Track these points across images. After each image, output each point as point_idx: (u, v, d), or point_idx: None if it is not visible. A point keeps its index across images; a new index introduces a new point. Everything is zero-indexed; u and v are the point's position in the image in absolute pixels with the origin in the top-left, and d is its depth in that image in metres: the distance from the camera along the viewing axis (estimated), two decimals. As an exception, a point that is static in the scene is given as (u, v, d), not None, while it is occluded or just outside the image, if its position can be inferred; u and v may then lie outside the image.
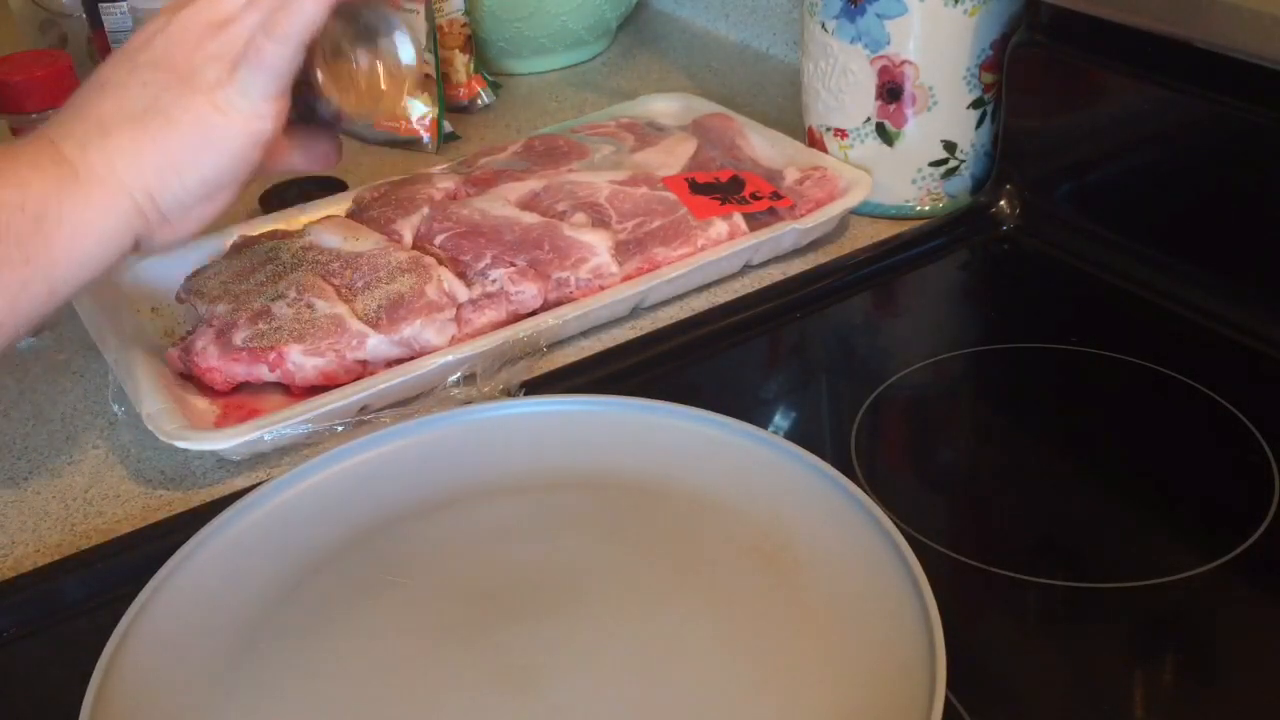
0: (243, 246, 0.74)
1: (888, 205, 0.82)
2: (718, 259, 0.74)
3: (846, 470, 0.55)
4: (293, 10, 0.52)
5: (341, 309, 0.67)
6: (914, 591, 0.47)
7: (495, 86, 1.07)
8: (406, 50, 0.58)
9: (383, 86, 0.59)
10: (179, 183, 0.53)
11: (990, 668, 0.49)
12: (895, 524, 0.50)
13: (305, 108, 0.57)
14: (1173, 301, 0.69)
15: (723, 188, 0.78)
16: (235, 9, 0.54)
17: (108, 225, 0.52)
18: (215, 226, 0.81)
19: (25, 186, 0.50)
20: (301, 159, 0.60)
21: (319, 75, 0.56)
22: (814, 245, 0.79)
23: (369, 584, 0.52)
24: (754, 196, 0.77)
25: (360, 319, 0.67)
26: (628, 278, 0.72)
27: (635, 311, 0.74)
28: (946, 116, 0.78)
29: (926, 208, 0.82)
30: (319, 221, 0.76)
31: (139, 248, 0.54)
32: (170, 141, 0.52)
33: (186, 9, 0.55)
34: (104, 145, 0.52)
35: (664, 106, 0.93)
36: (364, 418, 0.63)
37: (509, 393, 0.64)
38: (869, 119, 0.79)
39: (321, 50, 0.56)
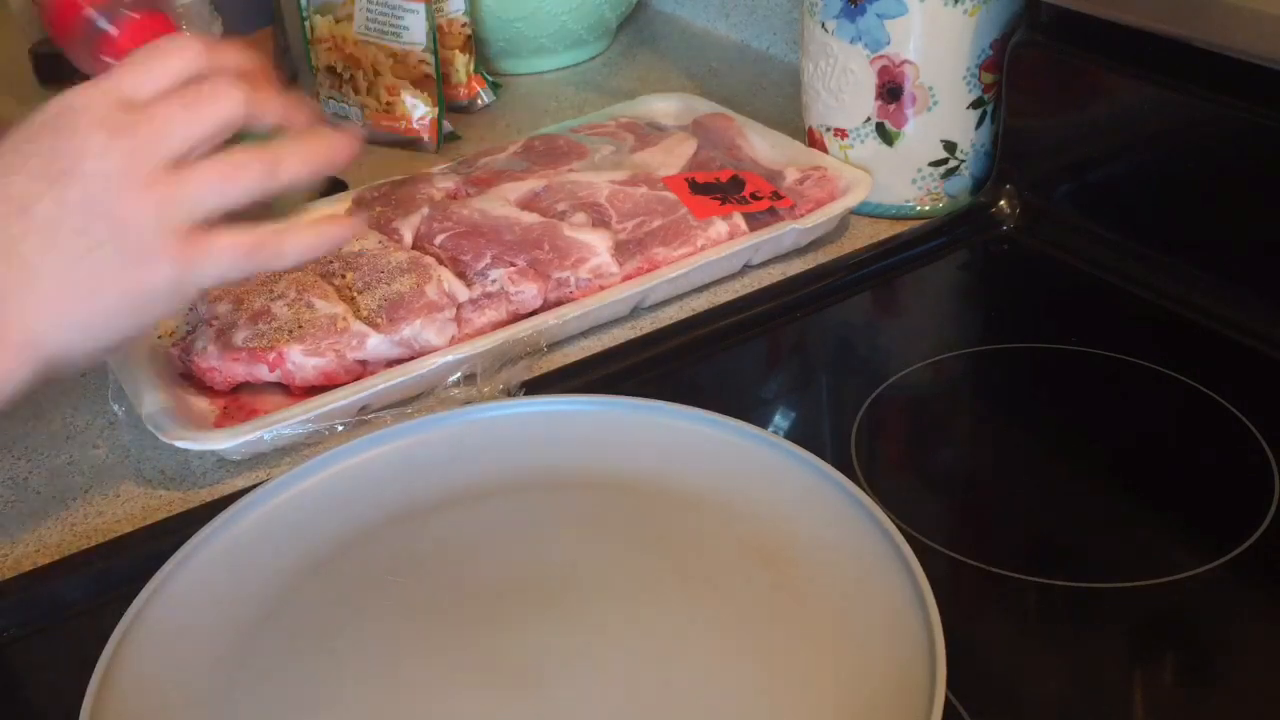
0: None
1: (888, 205, 0.82)
2: (718, 259, 0.74)
3: (846, 470, 0.55)
4: (306, 247, 0.52)
5: (341, 309, 0.67)
6: (914, 591, 0.47)
7: (495, 86, 1.07)
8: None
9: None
10: (97, 343, 0.50)
11: (990, 668, 0.49)
12: (895, 524, 0.50)
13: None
14: (1173, 301, 0.69)
15: (723, 188, 0.78)
16: (159, 97, 0.49)
17: (11, 381, 0.49)
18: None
19: None
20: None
21: None
22: (814, 245, 0.79)
23: (369, 584, 0.52)
24: (754, 196, 0.77)
25: (360, 319, 0.67)
26: (628, 278, 0.72)
27: (635, 311, 0.74)
28: (946, 116, 0.78)
29: (926, 208, 0.82)
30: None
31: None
32: (100, 307, 0.48)
33: (128, 131, 0.48)
34: (25, 302, 0.47)
35: (664, 106, 0.93)
36: (364, 418, 0.63)
37: (509, 393, 0.64)
38: (869, 119, 0.79)
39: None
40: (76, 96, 0.48)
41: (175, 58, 0.49)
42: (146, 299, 0.49)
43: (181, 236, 0.48)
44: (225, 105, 0.49)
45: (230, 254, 0.49)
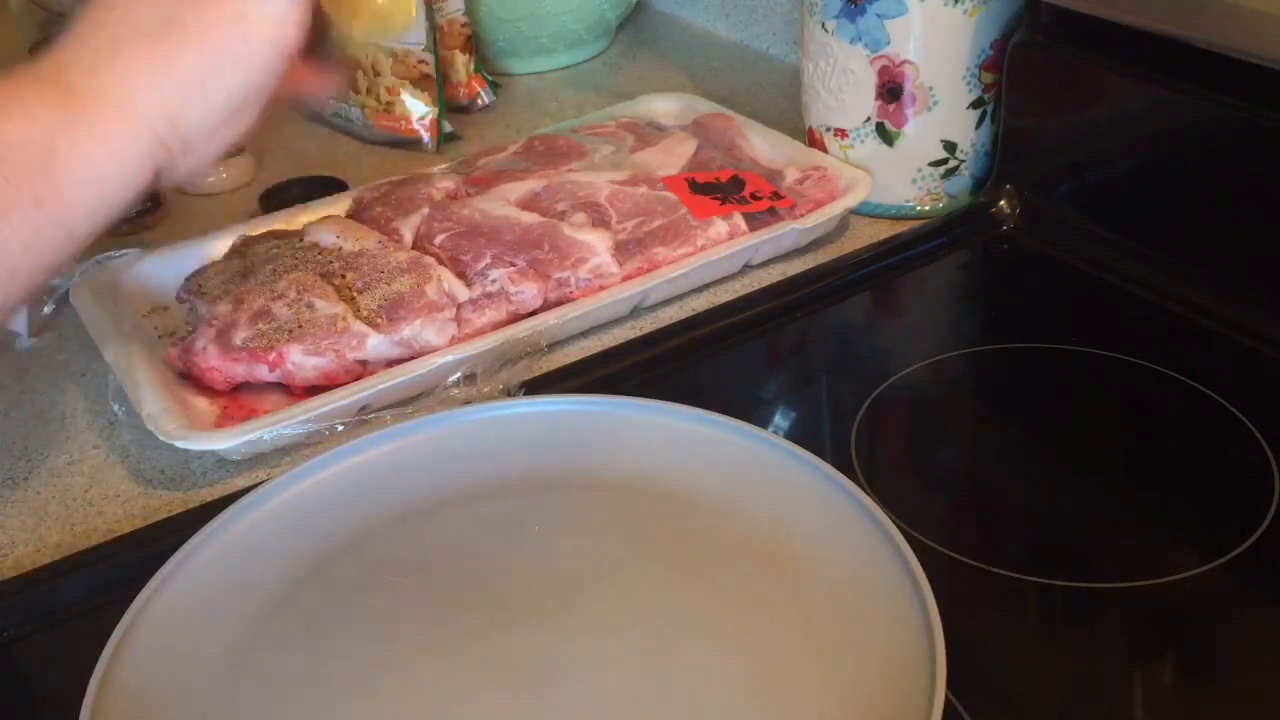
0: (243, 247, 0.74)
1: (888, 205, 0.82)
2: (718, 259, 0.74)
3: (846, 470, 0.55)
4: None
5: (341, 309, 0.67)
6: (914, 591, 0.47)
7: (495, 86, 1.07)
8: None
9: (380, 3, 0.55)
10: (202, 102, 0.49)
11: (990, 668, 0.49)
12: (895, 524, 0.50)
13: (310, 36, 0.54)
14: (1173, 301, 0.69)
15: (723, 188, 0.78)
16: None
17: (125, 159, 0.48)
18: (216, 226, 0.82)
19: (31, 121, 0.46)
20: (312, 84, 0.56)
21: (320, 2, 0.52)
22: (814, 245, 0.79)
23: (369, 584, 0.52)
24: (754, 196, 0.77)
25: (360, 319, 0.67)
26: (628, 278, 0.72)
27: (635, 311, 0.74)
28: (946, 116, 0.78)
29: (926, 208, 0.82)
30: (319, 221, 0.76)
31: (160, 178, 0.50)
32: (191, 57, 0.48)
33: None
34: (117, 69, 0.47)
35: (664, 106, 0.93)
36: (364, 418, 0.63)
37: (509, 393, 0.64)
38: (869, 119, 0.79)
39: None
40: None
41: None
42: (241, 39, 0.48)
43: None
44: None
45: None
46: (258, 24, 0.49)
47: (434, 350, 0.67)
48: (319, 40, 0.54)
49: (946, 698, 0.42)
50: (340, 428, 0.62)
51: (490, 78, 1.07)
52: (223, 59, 0.49)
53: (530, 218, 0.74)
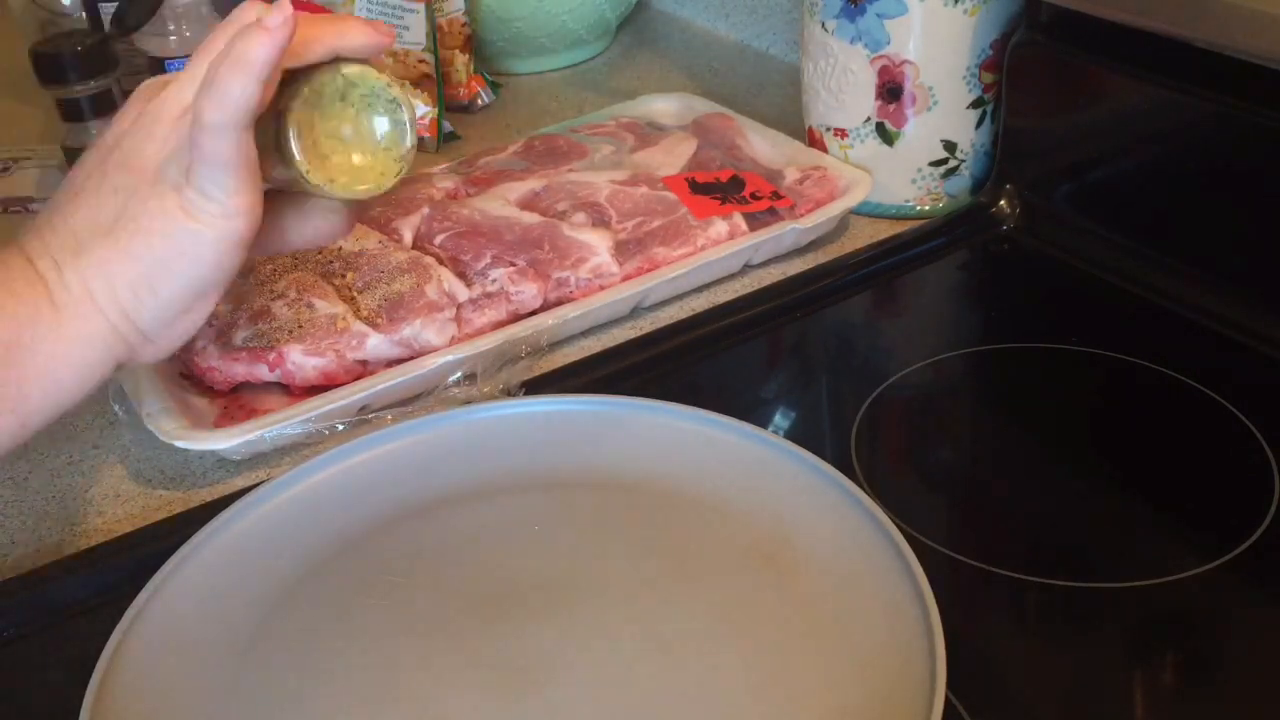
0: None
1: (888, 205, 0.82)
2: (718, 259, 0.74)
3: (846, 470, 0.55)
4: (215, 93, 0.45)
5: (341, 309, 0.67)
6: (914, 591, 0.47)
7: (495, 86, 1.07)
8: (381, 123, 0.50)
9: (364, 162, 0.50)
10: (153, 300, 0.48)
11: (990, 668, 0.49)
12: (895, 524, 0.50)
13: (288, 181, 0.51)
14: (1173, 301, 0.69)
15: (723, 187, 0.78)
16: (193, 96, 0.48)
17: (86, 355, 0.48)
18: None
19: (6, 316, 0.46)
20: (301, 235, 0.54)
21: (292, 145, 0.49)
22: (814, 245, 0.79)
23: (369, 584, 0.52)
24: (754, 196, 0.77)
25: (360, 319, 0.67)
26: (628, 278, 0.72)
27: (635, 311, 0.74)
28: (946, 116, 0.78)
29: (926, 208, 0.82)
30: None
31: (123, 368, 0.51)
32: (142, 255, 0.47)
33: (156, 98, 0.49)
34: (77, 264, 0.47)
35: (664, 106, 0.93)
36: (364, 417, 0.63)
37: (509, 393, 0.64)
38: (869, 119, 0.79)
39: (294, 120, 0.49)
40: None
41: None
42: (188, 235, 0.47)
43: (184, 155, 0.47)
44: (255, 43, 0.45)
45: (193, 130, 0.46)
46: (206, 218, 0.47)
47: (434, 350, 0.67)
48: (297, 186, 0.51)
49: (946, 698, 0.42)
50: (340, 428, 0.62)
51: (490, 78, 1.07)
52: (173, 256, 0.48)
53: (530, 218, 0.74)
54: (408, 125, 0.51)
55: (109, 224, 0.48)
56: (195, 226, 0.47)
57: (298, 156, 0.49)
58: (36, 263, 0.48)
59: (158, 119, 0.48)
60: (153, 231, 0.47)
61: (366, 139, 0.51)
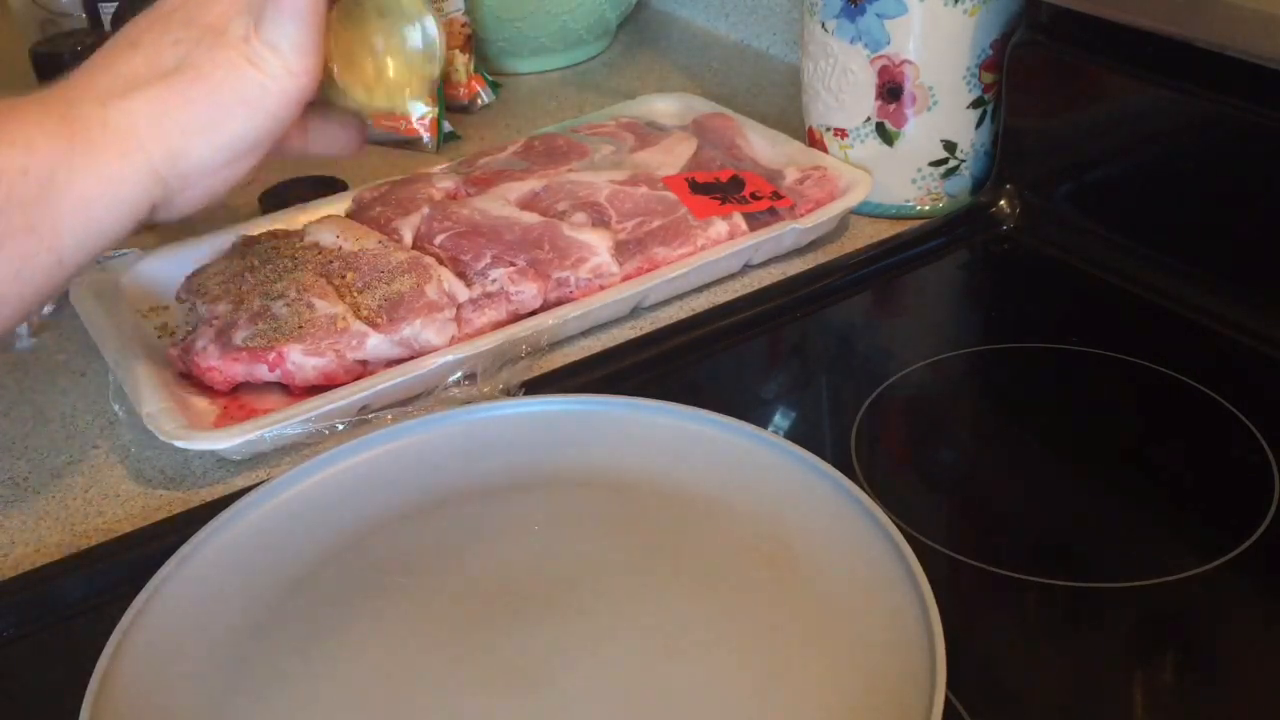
0: (243, 246, 0.74)
1: (888, 205, 0.82)
2: (718, 259, 0.74)
3: (846, 470, 0.55)
4: None
5: (341, 308, 0.67)
6: (914, 591, 0.47)
7: (495, 86, 1.07)
8: (415, 37, 0.53)
9: (390, 75, 0.54)
10: (206, 144, 0.50)
11: (990, 668, 0.49)
12: (895, 524, 0.50)
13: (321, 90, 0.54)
14: (1173, 301, 0.69)
15: (723, 187, 0.78)
16: None
17: (122, 192, 0.48)
18: (216, 226, 0.82)
19: (30, 148, 0.46)
20: (318, 141, 0.56)
21: (329, 59, 0.52)
22: (814, 245, 0.79)
23: (369, 584, 0.52)
24: (754, 196, 0.77)
25: (360, 319, 0.67)
26: (628, 277, 0.72)
27: (635, 311, 0.74)
28: (946, 116, 0.78)
29: (926, 207, 0.82)
30: (319, 221, 0.75)
31: (156, 213, 0.51)
32: (201, 98, 0.49)
33: None
34: (126, 104, 0.48)
35: (664, 106, 0.93)
36: (364, 417, 0.63)
37: (509, 393, 0.64)
38: (869, 119, 0.79)
39: (334, 29, 0.52)
40: None
41: None
42: (252, 84, 0.49)
43: (257, 13, 0.49)
44: None
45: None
46: (271, 71, 0.49)
47: (434, 350, 0.67)
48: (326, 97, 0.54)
49: (946, 698, 0.42)
50: (340, 427, 0.62)
51: (490, 78, 1.07)
52: (233, 102, 0.49)
53: (530, 218, 0.74)
54: (437, 48, 0.54)
55: (169, 69, 0.49)
56: (261, 78, 0.49)
57: (329, 59, 0.52)
58: (78, 102, 0.48)
59: None
60: (216, 78, 0.49)
61: (397, 53, 0.54)
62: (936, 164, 0.80)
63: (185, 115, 0.49)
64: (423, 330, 0.67)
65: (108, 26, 0.87)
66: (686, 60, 1.13)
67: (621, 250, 0.72)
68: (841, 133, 0.81)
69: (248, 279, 0.70)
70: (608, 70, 1.13)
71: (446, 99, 0.98)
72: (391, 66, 0.54)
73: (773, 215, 0.77)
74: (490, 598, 0.51)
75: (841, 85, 0.79)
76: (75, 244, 0.48)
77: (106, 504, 0.62)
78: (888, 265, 0.77)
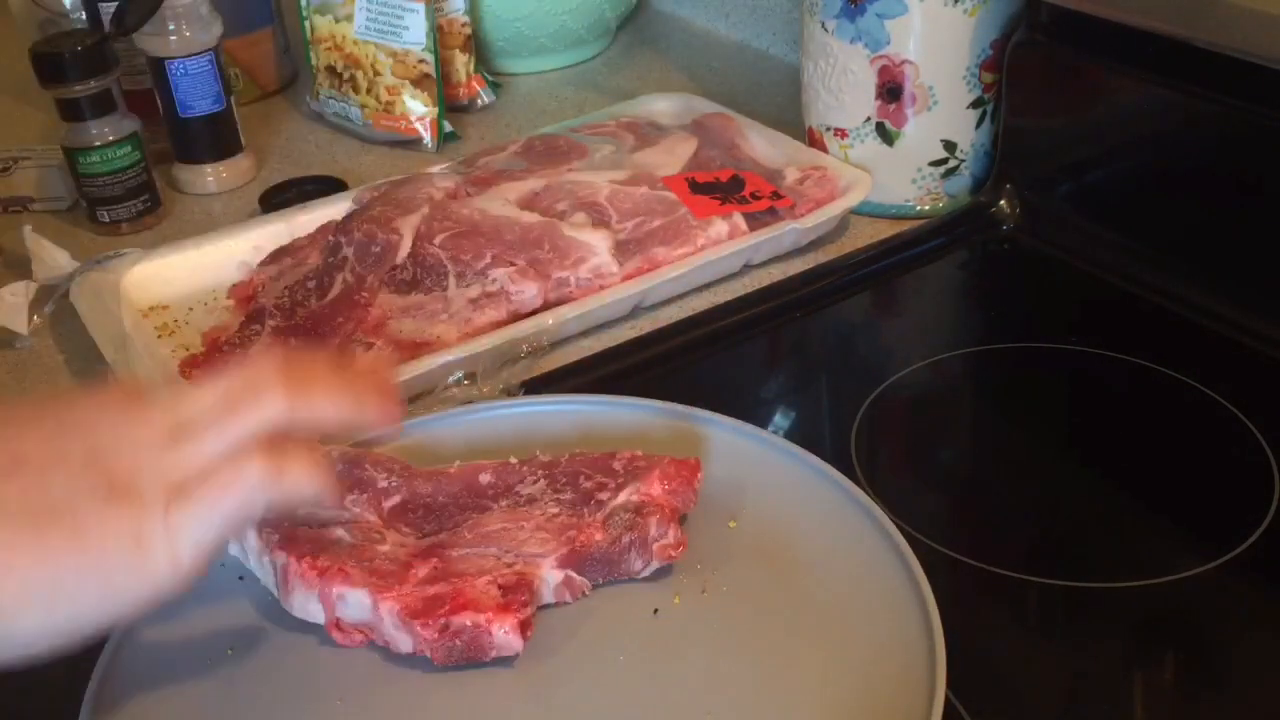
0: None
1: (888, 205, 0.82)
2: (718, 259, 0.74)
3: (846, 470, 0.55)
4: (286, 483, 0.42)
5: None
6: (914, 591, 0.47)
7: (495, 86, 1.07)
8: None
9: None
10: (38, 618, 0.39)
11: (990, 668, 0.49)
12: (895, 524, 0.50)
13: None
14: (1173, 301, 0.69)
15: (723, 187, 0.78)
16: (201, 411, 0.43)
17: None
18: (215, 225, 0.82)
19: None
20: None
21: None
22: (814, 245, 0.79)
23: (369, 584, 0.52)
24: (754, 196, 0.77)
25: None
26: (628, 277, 0.72)
27: (635, 311, 0.74)
28: (946, 116, 0.78)
29: (926, 207, 0.82)
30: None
31: None
32: (63, 564, 0.39)
33: (152, 405, 0.43)
34: None
35: (664, 106, 0.93)
36: (364, 418, 0.62)
37: (509, 393, 0.64)
38: (869, 119, 0.79)
39: None
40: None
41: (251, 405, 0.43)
42: (127, 566, 0.40)
43: (172, 488, 0.41)
44: (263, 408, 0.43)
45: (217, 491, 0.41)
46: (156, 559, 0.40)
47: (443, 343, 0.66)
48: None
49: (946, 698, 0.42)
50: (340, 428, 0.62)
51: (490, 78, 1.07)
52: (98, 581, 0.40)
53: (530, 217, 0.74)
54: None
55: (41, 510, 0.39)
56: (143, 562, 0.40)
57: None
58: None
59: (149, 422, 0.43)
60: (92, 547, 0.39)
61: None
62: (936, 164, 0.80)
63: (32, 577, 0.39)
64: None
65: (107, 27, 0.87)
66: (686, 60, 1.13)
67: (621, 250, 0.72)
68: (841, 133, 0.81)
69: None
70: (608, 70, 1.13)
71: (446, 99, 0.98)
72: None
73: (773, 215, 0.77)
74: (490, 598, 0.51)
75: (841, 85, 0.79)
76: None
77: (106, 504, 0.62)
78: (888, 265, 0.77)
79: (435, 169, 0.84)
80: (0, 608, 0.38)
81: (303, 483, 0.43)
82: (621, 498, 0.52)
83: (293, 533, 0.51)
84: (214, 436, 0.42)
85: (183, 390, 0.46)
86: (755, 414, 0.63)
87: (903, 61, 0.76)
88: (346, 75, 0.98)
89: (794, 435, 0.62)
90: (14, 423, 0.43)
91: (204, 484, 0.41)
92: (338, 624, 0.48)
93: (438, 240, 0.73)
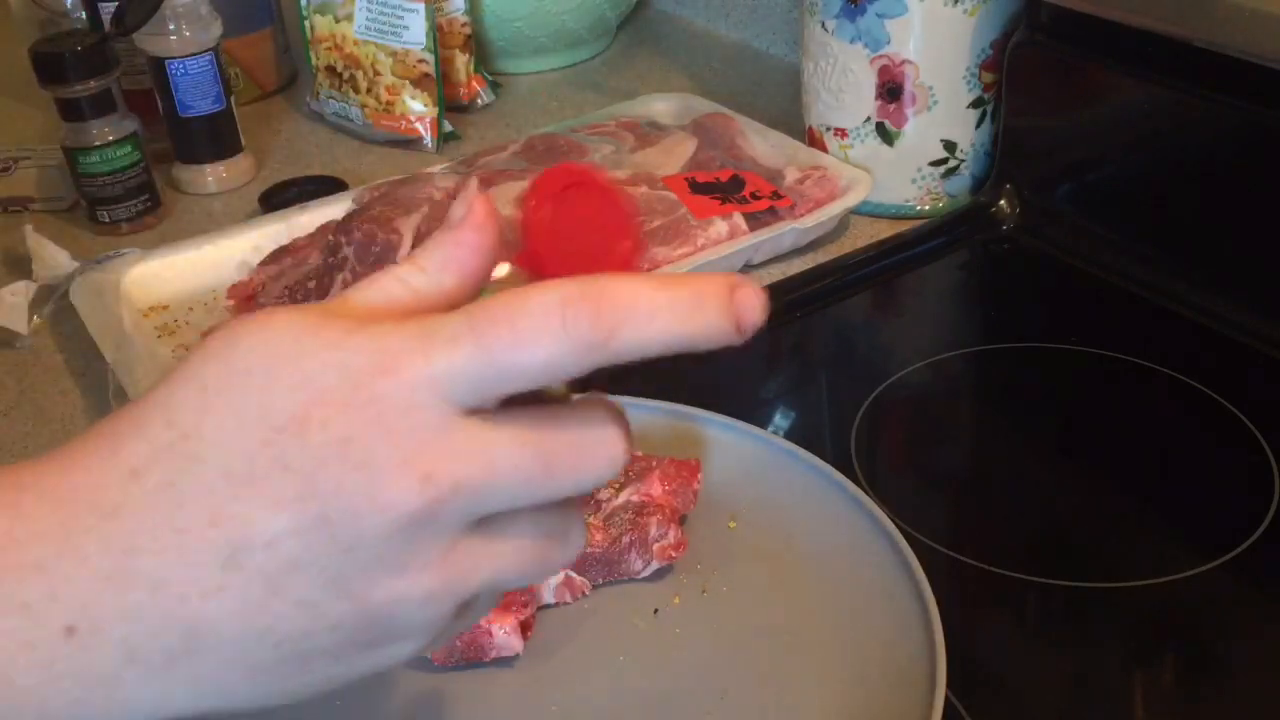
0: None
1: (888, 205, 0.82)
2: (718, 259, 0.74)
3: (846, 470, 0.55)
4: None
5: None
6: (914, 591, 0.47)
7: (495, 86, 1.07)
8: None
9: None
10: (243, 708, 0.30)
11: (990, 668, 0.49)
12: (895, 524, 0.50)
13: None
14: (1172, 301, 0.69)
15: (723, 187, 0.78)
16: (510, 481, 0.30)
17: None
18: (216, 225, 0.82)
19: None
20: None
21: None
22: (814, 245, 0.79)
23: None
24: (754, 196, 0.77)
25: None
26: (628, 277, 0.72)
27: (635, 311, 0.74)
28: (946, 116, 0.78)
29: (926, 207, 0.82)
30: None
31: None
32: (281, 697, 0.31)
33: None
34: (168, 680, 0.28)
35: (664, 106, 0.93)
36: (364, 418, 0.62)
37: (509, 393, 0.64)
38: (869, 118, 0.79)
39: None
40: (387, 380, 0.28)
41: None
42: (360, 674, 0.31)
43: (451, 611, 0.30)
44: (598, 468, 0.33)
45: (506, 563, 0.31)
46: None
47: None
48: None
49: (946, 698, 0.42)
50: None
51: (490, 78, 1.07)
52: (353, 676, 0.31)
53: (530, 218, 0.74)
54: None
55: (268, 664, 0.29)
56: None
57: None
58: (65, 599, 0.28)
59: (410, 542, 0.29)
60: (330, 675, 0.31)
61: None
62: (936, 164, 0.80)
63: (240, 694, 0.30)
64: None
65: (107, 27, 0.87)
66: (686, 60, 1.13)
67: (621, 250, 0.72)
68: (841, 132, 0.81)
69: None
70: (608, 70, 1.13)
71: (446, 99, 0.98)
72: None
73: (773, 215, 0.77)
74: (490, 598, 0.51)
75: (841, 85, 0.79)
76: None
77: (106, 504, 0.62)
78: (888, 265, 0.77)
79: (435, 169, 0.84)
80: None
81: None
82: (621, 498, 0.52)
83: None
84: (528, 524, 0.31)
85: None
86: (755, 414, 0.63)
87: (903, 61, 0.76)
88: (346, 75, 0.98)
89: (794, 435, 0.62)
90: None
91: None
92: None
93: (438, 240, 0.73)
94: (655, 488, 0.52)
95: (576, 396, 0.36)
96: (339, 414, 0.28)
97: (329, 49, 0.99)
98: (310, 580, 0.28)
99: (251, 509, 0.28)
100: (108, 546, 0.28)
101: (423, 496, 0.28)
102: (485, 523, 0.30)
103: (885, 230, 0.80)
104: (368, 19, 0.96)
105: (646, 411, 0.59)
